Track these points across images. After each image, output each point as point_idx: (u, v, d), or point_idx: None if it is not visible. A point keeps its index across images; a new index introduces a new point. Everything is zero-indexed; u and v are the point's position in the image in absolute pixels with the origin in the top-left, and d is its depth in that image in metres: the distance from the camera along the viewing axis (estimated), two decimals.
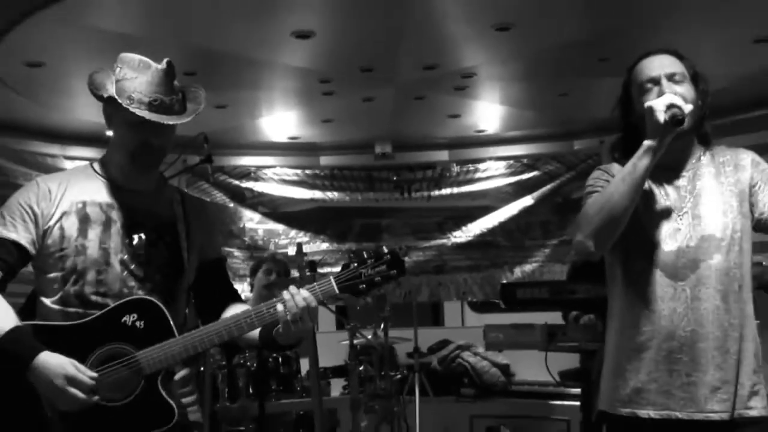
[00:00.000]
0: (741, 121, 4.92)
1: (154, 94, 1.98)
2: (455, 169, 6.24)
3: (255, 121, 5.08)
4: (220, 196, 6.07)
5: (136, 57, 2.03)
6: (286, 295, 1.94)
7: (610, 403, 2.11)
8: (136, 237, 2.06)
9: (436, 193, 6.26)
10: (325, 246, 6.13)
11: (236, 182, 6.10)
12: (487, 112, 5.14)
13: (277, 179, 6.19)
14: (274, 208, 6.19)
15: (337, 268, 2.10)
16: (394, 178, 6.27)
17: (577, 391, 4.94)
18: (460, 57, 3.83)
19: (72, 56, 3.46)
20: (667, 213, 2.06)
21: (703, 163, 2.12)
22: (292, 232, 6.04)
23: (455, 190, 6.24)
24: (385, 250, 2.04)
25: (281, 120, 5.12)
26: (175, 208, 2.15)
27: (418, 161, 6.24)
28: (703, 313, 1.99)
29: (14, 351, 1.86)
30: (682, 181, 2.10)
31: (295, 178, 6.21)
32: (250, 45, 3.52)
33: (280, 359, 4.02)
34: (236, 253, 6.00)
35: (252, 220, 6.14)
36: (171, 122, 2.00)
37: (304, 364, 4.04)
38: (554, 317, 4.64)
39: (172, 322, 1.98)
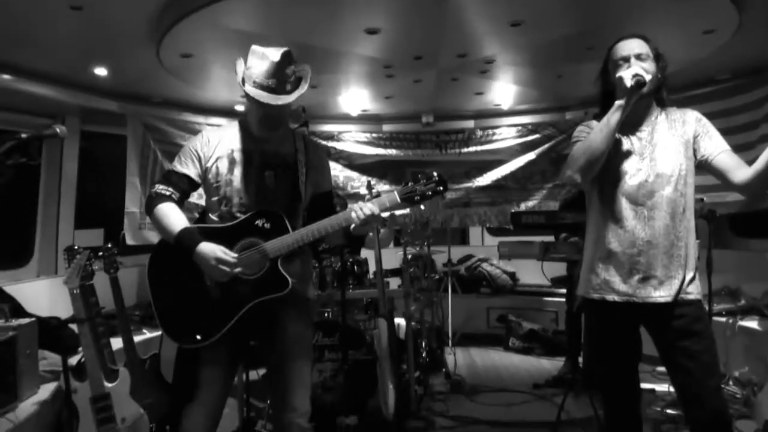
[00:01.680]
0: (691, 96, 4.72)
1: (269, 79, 2.01)
2: (479, 133, 6.15)
3: (337, 97, 5.07)
4: None
5: (260, 49, 2.04)
6: (355, 206, 2.03)
7: (586, 290, 2.13)
8: (267, 173, 2.14)
9: (465, 150, 6.18)
10: (386, 188, 6.13)
11: (324, 142, 6.12)
12: (503, 91, 5.03)
13: (353, 140, 6.20)
14: (351, 161, 6.20)
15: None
16: (435, 140, 6.21)
17: (563, 290, 4.94)
18: (484, 47, 3.74)
19: (213, 49, 3.49)
20: (631, 156, 2.05)
21: (660, 120, 2.09)
22: (363, 177, 6.06)
23: (479, 148, 6.15)
24: (434, 173, 2.07)
25: (355, 97, 5.09)
26: (298, 151, 2.19)
27: (452, 127, 6.16)
28: (656, 228, 1.98)
29: (185, 241, 2.03)
30: (643, 134, 2.07)
31: (365, 139, 6.21)
32: (334, 40, 3.50)
33: (355, 263, 4.10)
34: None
35: (335, 169, 6.13)
36: (274, 102, 2.01)
37: (372, 266, 4.11)
38: (548, 237, 4.62)
39: (288, 224, 2.07)
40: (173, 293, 2.11)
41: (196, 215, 2.96)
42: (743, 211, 4.53)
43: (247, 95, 2.04)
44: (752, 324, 3.96)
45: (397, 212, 6.05)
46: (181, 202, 2.13)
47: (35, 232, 4.49)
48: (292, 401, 2.12)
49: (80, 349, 2.67)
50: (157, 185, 2.12)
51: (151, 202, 2.09)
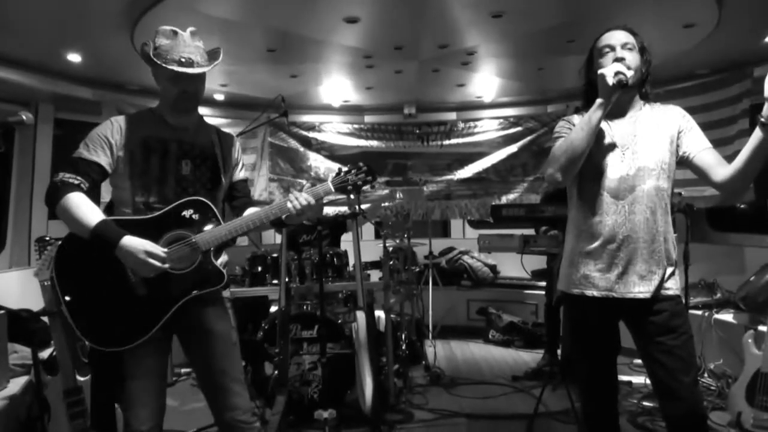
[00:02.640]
0: (671, 90, 4.75)
1: (183, 53, 1.95)
2: (461, 125, 6.14)
3: (317, 87, 5.01)
4: (293, 143, 6.06)
5: (168, 28, 1.99)
6: (291, 197, 2.00)
7: (566, 286, 2.11)
8: (184, 162, 2.04)
9: (447, 142, 6.17)
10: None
11: (305, 133, 6.07)
12: (485, 82, 5.02)
13: (334, 131, 6.14)
14: (332, 152, 6.15)
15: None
16: (417, 131, 6.19)
17: (543, 283, 4.97)
18: (465, 38, 3.72)
19: None
20: (613, 149, 2.02)
21: (643, 113, 2.07)
22: (344, 169, 6.01)
23: (460, 140, 6.15)
24: (361, 164, 2.12)
25: (336, 87, 5.04)
26: (213, 141, 2.13)
27: (434, 119, 6.15)
28: (636, 222, 1.96)
29: (106, 235, 1.85)
30: (626, 126, 2.05)
31: (346, 130, 6.16)
32: (314, 28, 3.44)
33: (334, 256, 4.06)
34: (304, 182, 6.01)
35: (316, 160, 6.12)
36: (193, 71, 1.94)
37: (352, 258, 4.08)
38: (529, 230, 4.63)
39: (218, 214, 2.01)
40: (90, 293, 1.91)
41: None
42: (720, 205, 4.58)
43: (161, 71, 1.95)
44: (727, 317, 4.01)
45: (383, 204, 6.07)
46: (90, 193, 1.93)
47: (7, 223, 4.38)
48: (231, 401, 2.04)
49: (52, 342, 2.61)
50: (61, 173, 1.91)
51: (57, 191, 1.88)
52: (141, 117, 2.07)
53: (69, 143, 4.63)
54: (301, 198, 1.99)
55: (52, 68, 4.08)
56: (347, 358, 3.41)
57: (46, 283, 2.59)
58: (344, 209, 4.40)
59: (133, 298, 1.91)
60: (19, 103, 4.26)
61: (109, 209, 2.07)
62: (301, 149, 6.09)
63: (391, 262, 4.44)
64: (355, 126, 6.16)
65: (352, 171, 2.09)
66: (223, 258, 2.12)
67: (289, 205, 1.98)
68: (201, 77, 2.01)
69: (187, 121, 2.09)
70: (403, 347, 4.31)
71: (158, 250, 1.87)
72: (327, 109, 5.94)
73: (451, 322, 5.88)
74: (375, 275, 4.48)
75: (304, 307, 3.75)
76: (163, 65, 1.92)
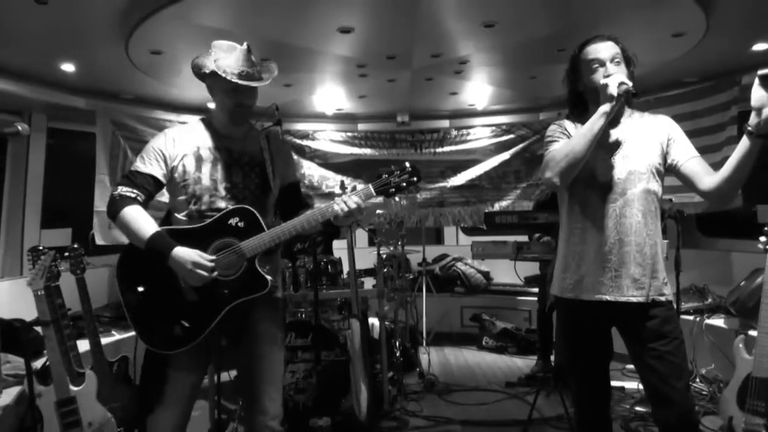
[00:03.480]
0: (660, 98, 4.80)
1: (241, 67, 2.03)
2: (454, 132, 6.17)
3: (311, 96, 5.02)
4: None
5: (225, 42, 2.07)
6: (338, 200, 2.02)
7: (560, 291, 2.13)
8: (235, 170, 2.12)
9: (440, 150, 6.20)
10: (360, 187, 6.12)
11: (298, 141, 6.07)
12: (477, 91, 5.04)
13: (327, 139, 6.15)
14: (326, 160, 6.15)
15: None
16: (410, 139, 6.21)
17: (536, 290, 4.98)
18: (458, 48, 3.74)
19: (182, 46, 3.41)
20: (605, 153, 2.04)
21: (633, 120, 2.11)
22: (338, 177, 6.02)
23: (453, 148, 6.17)
24: (407, 164, 2.08)
25: (330, 95, 5.05)
26: (262, 146, 2.20)
27: (427, 127, 6.17)
28: (627, 226, 1.98)
29: (159, 246, 1.96)
30: (617, 132, 2.08)
31: (340, 138, 6.17)
32: (308, 38, 3.46)
33: (329, 263, 4.07)
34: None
35: (310, 168, 6.12)
36: (255, 84, 2.05)
37: (346, 266, 4.08)
38: (522, 237, 4.65)
39: (262, 221, 2.05)
40: (147, 299, 2.04)
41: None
42: (709, 211, 4.62)
43: (220, 83, 2.03)
44: (718, 322, 4.04)
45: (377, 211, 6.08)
46: (146, 204, 2.06)
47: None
48: (264, 404, 2.09)
49: (45, 352, 2.60)
50: (120, 187, 2.04)
51: (116, 205, 2.01)
52: (193, 128, 2.16)
53: (62, 152, 4.66)
54: (350, 201, 2.01)
55: (45, 78, 4.07)
56: (342, 366, 3.40)
57: (39, 293, 2.59)
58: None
59: (185, 305, 2.02)
60: (12, 112, 4.24)
61: (167, 216, 2.19)
62: (295, 157, 6.05)
63: (385, 270, 4.45)
64: (349, 134, 6.17)
65: (395, 172, 2.07)
66: (271, 264, 2.16)
67: (336, 207, 2.01)
68: (256, 90, 2.11)
69: (239, 131, 2.17)
70: (398, 354, 4.31)
71: (205, 259, 1.96)
72: (320, 117, 5.94)
73: (444, 328, 5.89)
74: (369, 282, 4.49)
75: (299, 315, 3.75)
76: (224, 76, 2.00)
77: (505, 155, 6.06)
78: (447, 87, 4.83)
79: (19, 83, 3.96)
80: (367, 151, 6.21)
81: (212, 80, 2.07)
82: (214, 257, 1.98)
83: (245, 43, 2.07)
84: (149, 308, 2.04)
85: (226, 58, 2.03)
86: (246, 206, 2.05)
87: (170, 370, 2.08)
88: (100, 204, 4.62)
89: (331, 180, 6.09)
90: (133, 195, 2.01)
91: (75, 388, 2.61)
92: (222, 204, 2.07)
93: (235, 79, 2.00)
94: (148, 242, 1.95)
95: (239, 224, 2.03)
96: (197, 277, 1.94)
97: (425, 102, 5.47)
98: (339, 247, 4.88)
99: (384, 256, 4.46)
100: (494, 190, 6.11)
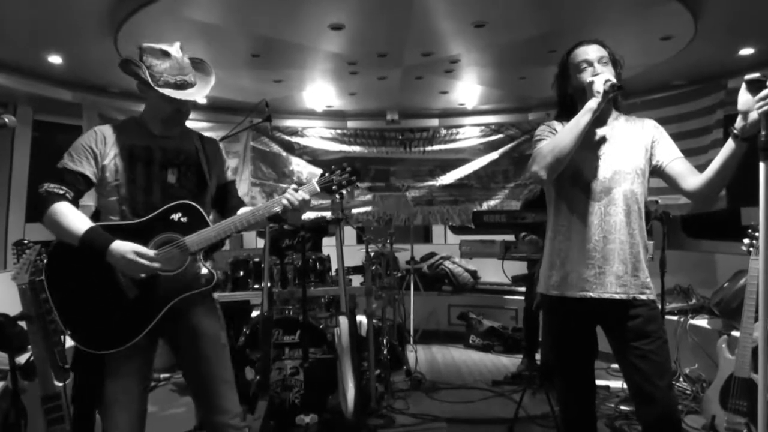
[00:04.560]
0: (647, 100, 4.85)
1: (176, 76, 1.96)
2: (443, 131, 6.20)
3: (301, 92, 5.02)
4: (276, 147, 6.06)
5: (156, 47, 1.97)
6: (286, 194, 2.02)
7: (546, 288, 2.15)
8: (170, 170, 2.05)
9: (429, 148, 6.23)
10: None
11: (287, 138, 6.07)
12: (467, 90, 5.07)
13: (317, 136, 6.15)
14: (315, 157, 6.15)
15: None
16: (400, 137, 6.23)
17: (523, 289, 5.01)
18: (448, 47, 3.76)
19: (171, 40, 3.38)
20: (591, 152, 2.07)
21: (619, 122, 2.14)
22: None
23: (443, 146, 6.21)
24: (346, 165, 2.13)
25: (320, 92, 5.05)
26: (197, 146, 2.14)
27: (417, 125, 6.20)
28: (612, 224, 2.01)
29: (95, 241, 1.86)
30: (603, 132, 2.11)
31: (329, 135, 6.17)
32: (298, 34, 3.45)
33: (317, 260, 4.07)
34: (287, 188, 6.01)
35: (299, 165, 6.12)
36: (194, 98, 1.99)
37: (334, 263, 4.08)
38: (510, 236, 4.67)
39: (206, 217, 2.01)
40: (82, 298, 1.92)
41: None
42: (694, 212, 4.68)
43: (155, 94, 1.94)
44: (702, 323, 4.09)
45: (361, 209, 6.08)
46: (75, 203, 1.95)
47: None
48: (221, 404, 2.04)
49: (29, 347, 2.57)
50: (47, 184, 1.91)
51: (43, 202, 1.88)
52: (125, 126, 2.07)
53: (47, 145, 4.61)
54: (298, 194, 2.00)
55: (31, 70, 4.03)
56: (329, 363, 3.40)
57: (24, 287, 2.56)
58: (326, 213, 4.40)
59: (124, 301, 1.92)
60: None
61: (95, 217, 2.05)
62: (284, 154, 6.08)
63: (373, 267, 4.46)
64: (338, 131, 6.17)
65: (337, 172, 2.11)
66: (212, 262, 2.12)
67: (284, 201, 1.99)
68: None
69: (174, 131, 2.10)
70: (385, 352, 4.32)
71: (147, 250, 1.88)
72: (310, 114, 5.94)
73: (432, 327, 5.91)
74: (357, 280, 4.49)
75: (286, 312, 3.74)
76: (160, 90, 1.92)
77: (494, 155, 6.10)
78: (437, 86, 4.85)
79: (5, 75, 3.92)
80: (357, 148, 6.22)
81: (146, 86, 1.97)
82: (155, 251, 1.91)
83: (177, 45, 1.99)
84: (84, 308, 1.92)
85: (160, 65, 1.95)
86: (189, 201, 1.99)
87: (111, 384, 1.97)
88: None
89: None
90: (61, 192, 1.91)
91: (60, 384, 2.58)
92: (158, 204, 1.99)
93: (172, 92, 1.93)
94: (83, 238, 1.84)
95: (182, 219, 1.97)
96: (139, 266, 1.85)
97: (415, 100, 5.48)
98: (327, 244, 4.87)
99: (372, 253, 4.46)
100: (483, 190, 6.15)
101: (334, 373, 3.36)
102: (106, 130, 2.02)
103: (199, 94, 2.01)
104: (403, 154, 6.23)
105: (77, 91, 4.47)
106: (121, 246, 1.85)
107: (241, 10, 3.05)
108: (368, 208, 6.01)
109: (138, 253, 1.85)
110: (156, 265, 1.88)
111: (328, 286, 3.94)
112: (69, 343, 2.80)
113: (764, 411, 1.53)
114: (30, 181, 4.46)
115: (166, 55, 1.95)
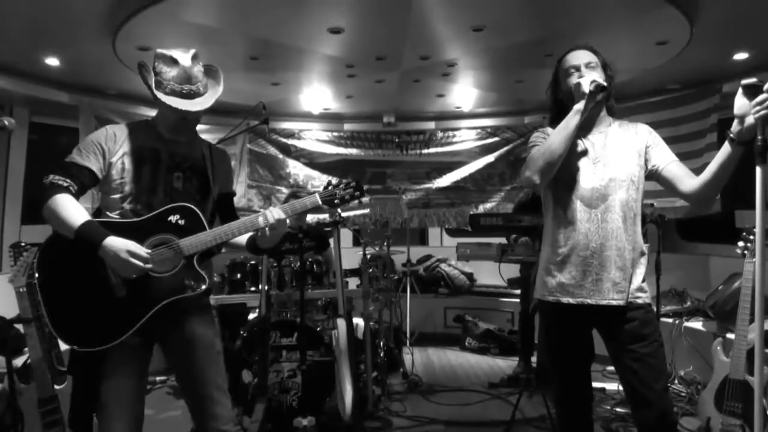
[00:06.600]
0: (643, 104, 4.87)
1: (183, 84, 1.95)
2: (439, 134, 6.21)
3: (298, 95, 5.02)
4: (273, 150, 6.06)
5: (168, 54, 1.97)
6: (265, 211, 1.99)
7: (542, 293, 2.16)
8: (176, 174, 2.06)
9: (426, 151, 6.24)
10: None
11: (284, 140, 6.07)
12: (464, 93, 5.08)
13: (314, 139, 6.16)
14: (311, 160, 6.16)
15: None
16: (396, 140, 6.24)
17: (519, 291, 5.02)
18: (446, 51, 3.77)
19: (170, 42, 3.37)
20: (586, 160, 2.10)
21: (613, 128, 2.16)
22: (323, 176, 6.02)
23: (439, 149, 6.22)
24: (350, 179, 2.13)
25: (317, 95, 5.05)
26: (205, 154, 2.14)
27: (413, 128, 6.21)
28: (608, 231, 2.03)
29: (90, 235, 1.85)
30: (597, 139, 2.13)
31: (326, 138, 6.18)
32: (297, 38, 3.46)
33: (314, 263, 4.07)
34: (284, 189, 6.03)
35: (295, 168, 6.13)
36: (193, 108, 1.97)
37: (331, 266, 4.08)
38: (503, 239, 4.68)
39: (204, 220, 2.00)
40: (70, 292, 1.90)
41: None
42: (689, 216, 4.71)
43: (161, 102, 1.95)
44: (697, 325, 4.12)
45: (357, 212, 6.07)
46: (78, 197, 1.94)
47: None
48: (214, 410, 2.02)
49: (26, 350, 2.56)
50: (52, 176, 1.91)
51: (45, 192, 1.89)
52: (136, 127, 2.07)
53: (44, 147, 4.60)
54: (274, 212, 1.97)
55: (28, 71, 4.02)
56: (326, 366, 3.41)
57: (21, 290, 2.55)
58: (325, 217, 4.40)
59: (113, 300, 1.90)
60: None
61: (96, 215, 2.05)
62: (280, 156, 6.09)
63: (370, 270, 4.46)
64: (335, 134, 6.18)
65: (340, 185, 2.10)
66: (207, 267, 2.09)
67: (260, 219, 1.96)
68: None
69: (183, 136, 2.10)
70: (382, 355, 4.33)
71: (141, 250, 1.86)
72: (307, 116, 5.95)
73: (428, 329, 5.92)
74: (353, 283, 4.49)
75: (284, 315, 3.74)
76: (161, 98, 1.92)
77: (490, 158, 6.12)
78: (434, 89, 4.87)
79: (1, 76, 3.91)
80: (353, 151, 6.22)
81: (151, 92, 1.97)
82: (149, 251, 1.90)
83: (189, 54, 1.98)
84: (72, 303, 1.89)
85: (168, 72, 1.94)
86: (188, 204, 1.99)
87: (106, 385, 1.96)
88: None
89: (317, 180, 6.09)
90: (65, 184, 1.90)
91: (57, 387, 2.58)
92: (159, 206, 1.99)
93: (176, 102, 1.93)
94: (78, 230, 1.83)
95: (180, 221, 1.96)
96: (131, 266, 1.83)
97: (412, 103, 5.50)
98: None
99: (369, 256, 4.47)
100: (479, 192, 6.16)
101: (331, 375, 3.37)
102: (118, 129, 2.04)
103: (203, 104, 1.99)
104: (399, 156, 6.24)
105: (74, 93, 4.46)
106: (116, 243, 1.84)
107: (241, 13, 3.06)
108: (365, 211, 6.00)
109: (131, 253, 1.84)
110: (148, 266, 1.87)
111: (326, 288, 3.94)
112: (65, 345, 2.80)
113: (759, 413, 1.54)
114: (26, 183, 4.45)
115: (174, 62, 1.94)
